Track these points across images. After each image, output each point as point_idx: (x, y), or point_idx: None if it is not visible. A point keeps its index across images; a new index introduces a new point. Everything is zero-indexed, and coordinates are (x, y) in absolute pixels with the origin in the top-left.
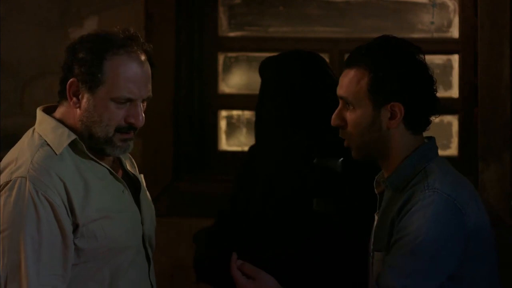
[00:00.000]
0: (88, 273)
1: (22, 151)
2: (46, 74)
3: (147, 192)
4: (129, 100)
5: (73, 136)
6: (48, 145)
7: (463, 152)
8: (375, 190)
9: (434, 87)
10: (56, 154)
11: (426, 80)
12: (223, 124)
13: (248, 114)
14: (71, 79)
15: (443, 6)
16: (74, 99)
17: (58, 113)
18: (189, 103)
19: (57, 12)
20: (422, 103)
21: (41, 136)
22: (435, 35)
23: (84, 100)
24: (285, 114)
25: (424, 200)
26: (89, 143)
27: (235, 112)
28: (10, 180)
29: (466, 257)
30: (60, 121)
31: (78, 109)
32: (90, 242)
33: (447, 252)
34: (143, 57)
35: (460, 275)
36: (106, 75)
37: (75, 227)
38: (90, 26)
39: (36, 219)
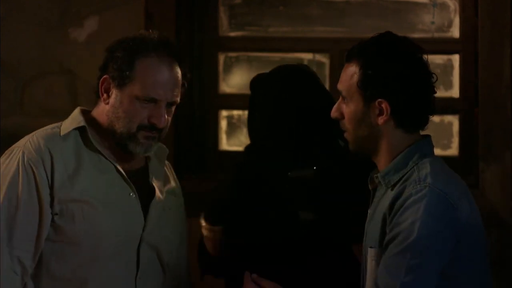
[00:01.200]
0: (65, 253)
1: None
2: (46, 74)
3: (178, 214)
4: (153, 100)
5: (83, 123)
6: (59, 128)
7: (463, 152)
8: (369, 186)
9: (431, 87)
10: (60, 135)
11: (417, 80)
12: (223, 124)
13: None
14: (104, 76)
15: (444, 6)
16: (105, 95)
17: (94, 111)
18: (190, 103)
19: (57, 12)
20: (410, 102)
21: (61, 122)
22: (436, 35)
23: (113, 96)
24: (280, 128)
25: (416, 194)
26: (113, 139)
27: (235, 112)
28: (14, 149)
29: (458, 254)
30: (93, 118)
31: (107, 105)
32: (68, 222)
33: (441, 246)
34: (173, 62)
35: (452, 273)
36: (135, 74)
37: (51, 199)
38: (90, 26)
39: (17, 185)
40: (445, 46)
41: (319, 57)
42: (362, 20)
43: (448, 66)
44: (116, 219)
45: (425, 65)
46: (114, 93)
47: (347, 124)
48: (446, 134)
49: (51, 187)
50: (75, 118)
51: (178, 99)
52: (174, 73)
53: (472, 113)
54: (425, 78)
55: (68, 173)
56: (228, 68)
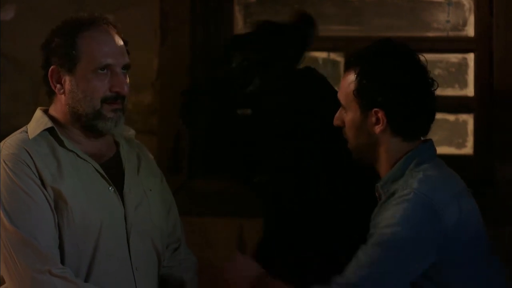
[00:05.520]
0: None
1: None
2: None
3: (161, 194)
4: (108, 67)
5: (50, 124)
6: (27, 132)
7: (478, 151)
8: (376, 194)
9: (431, 95)
10: (30, 139)
11: (414, 89)
12: None
13: None
14: (51, 67)
15: (459, 5)
16: (58, 85)
17: (51, 110)
18: None
19: (72, 11)
20: (406, 111)
21: (26, 127)
22: (451, 33)
23: (67, 83)
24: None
25: (399, 198)
26: (80, 124)
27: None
28: None
29: (446, 259)
30: (52, 115)
31: (63, 95)
32: (60, 221)
33: (414, 251)
34: (112, 31)
35: (442, 279)
36: (81, 51)
37: (48, 195)
38: None
39: (17, 188)
40: (460, 44)
41: (333, 55)
42: (377, 19)
43: (463, 65)
44: (100, 216)
45: (423, 73)
46: (67, 80)
47: (347, 132)
48: (461, 133)
49: (43, 184)
50: (39, 120)
51: (129, 62)
52: (116, 38)
53: (487, 112)
54: (423, 87)
55: (51, 173)
56: None
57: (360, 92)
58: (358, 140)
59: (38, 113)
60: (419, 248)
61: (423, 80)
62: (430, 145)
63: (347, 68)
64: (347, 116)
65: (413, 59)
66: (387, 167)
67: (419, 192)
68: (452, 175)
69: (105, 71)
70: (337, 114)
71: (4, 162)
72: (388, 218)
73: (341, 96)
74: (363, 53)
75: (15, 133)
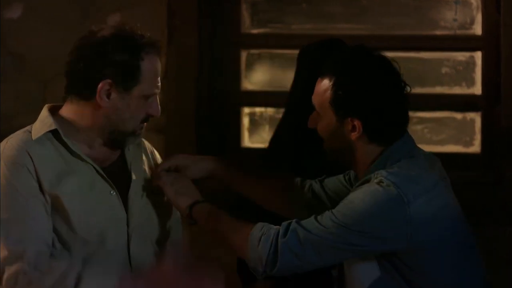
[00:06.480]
0: (55, 255)
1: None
2: None
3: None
4: (155, 94)
5: (53, 127)
6: (31, 132)
7: (485, 149)
8: None
9: (404, 99)
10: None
11: (389, 97)
12: (245, 121)
13: (271, 111)
14: (106, 80)
15: (466, 3)
16: (104, 98)
17: (65, 110)
18: (212, 100)
19: (78, 10)
20: (382, 120)
21: (31, 126)
22: (458, 32)
23: (117, 100)
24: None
25: (370, 183)
26: (110, 137)
27: (258, 109)
28: None
29: (420, 247)
30: (62, 115)
31: (100, 107)
32: (57, 224)
33: (369, 227)
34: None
35: (420, 267)
36: (142, 75)
37: (45, 199)
38: (114, 23)
39: (16, 191)
40: (467, 43)
41: None
42: (384, 18)
43: (471, 63)
44: (101, 219)
45: (397, 78)
46: (118, 97)
47: (322, 135)
48: (468, 132)
49: (41, 189)
50: (44, 121)
51: None
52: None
53: (495, 111)
54: (398, 92)
55: (51, 176)
56: (250, 65)
57: (335, 102)
58: (332, 144)
59: (45, 112)
60: (376, 227)
61: (398, 86)
62: (405, 141)
63: (323, 74)
64: (321, 121)
65: (387, 66)
66: (363, 169)
67: (389, 181)
68: (427, 170)
69: (151, 97)
70: (312, 117)
71: (4, 163)
72: (355, 195)
73: (315, 101)
74: (338, 62)
75: (19, 132)
